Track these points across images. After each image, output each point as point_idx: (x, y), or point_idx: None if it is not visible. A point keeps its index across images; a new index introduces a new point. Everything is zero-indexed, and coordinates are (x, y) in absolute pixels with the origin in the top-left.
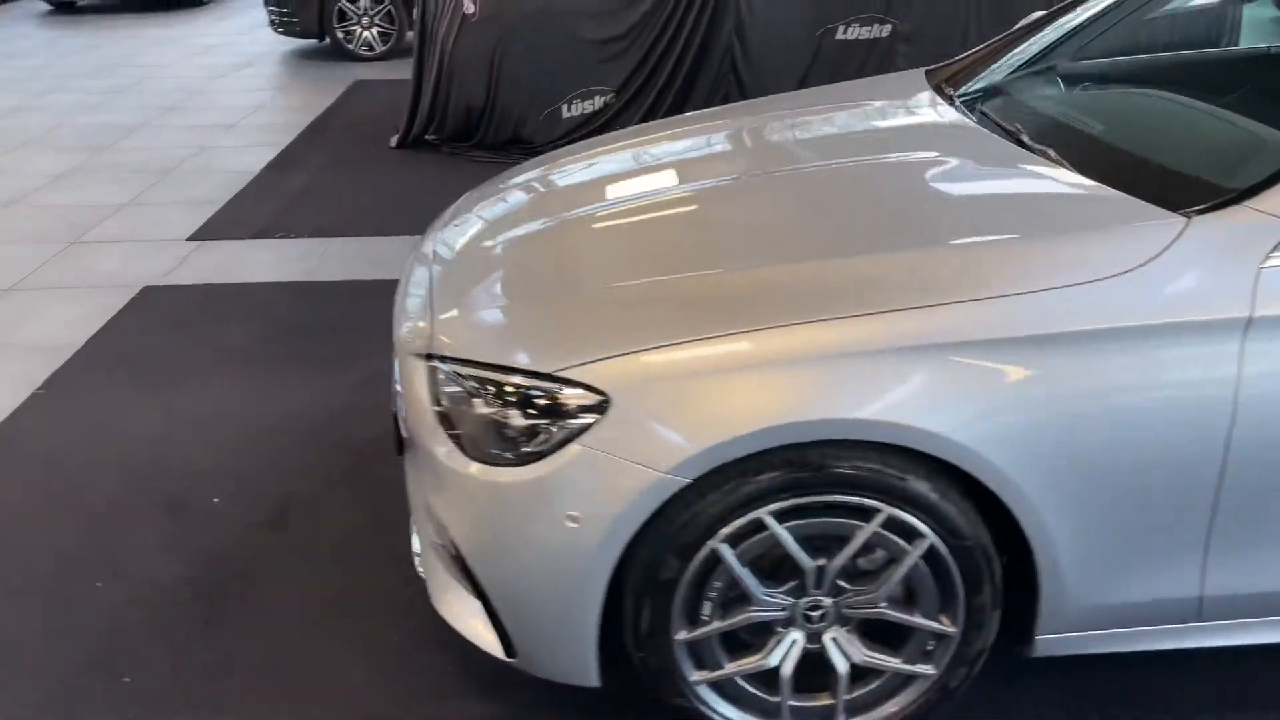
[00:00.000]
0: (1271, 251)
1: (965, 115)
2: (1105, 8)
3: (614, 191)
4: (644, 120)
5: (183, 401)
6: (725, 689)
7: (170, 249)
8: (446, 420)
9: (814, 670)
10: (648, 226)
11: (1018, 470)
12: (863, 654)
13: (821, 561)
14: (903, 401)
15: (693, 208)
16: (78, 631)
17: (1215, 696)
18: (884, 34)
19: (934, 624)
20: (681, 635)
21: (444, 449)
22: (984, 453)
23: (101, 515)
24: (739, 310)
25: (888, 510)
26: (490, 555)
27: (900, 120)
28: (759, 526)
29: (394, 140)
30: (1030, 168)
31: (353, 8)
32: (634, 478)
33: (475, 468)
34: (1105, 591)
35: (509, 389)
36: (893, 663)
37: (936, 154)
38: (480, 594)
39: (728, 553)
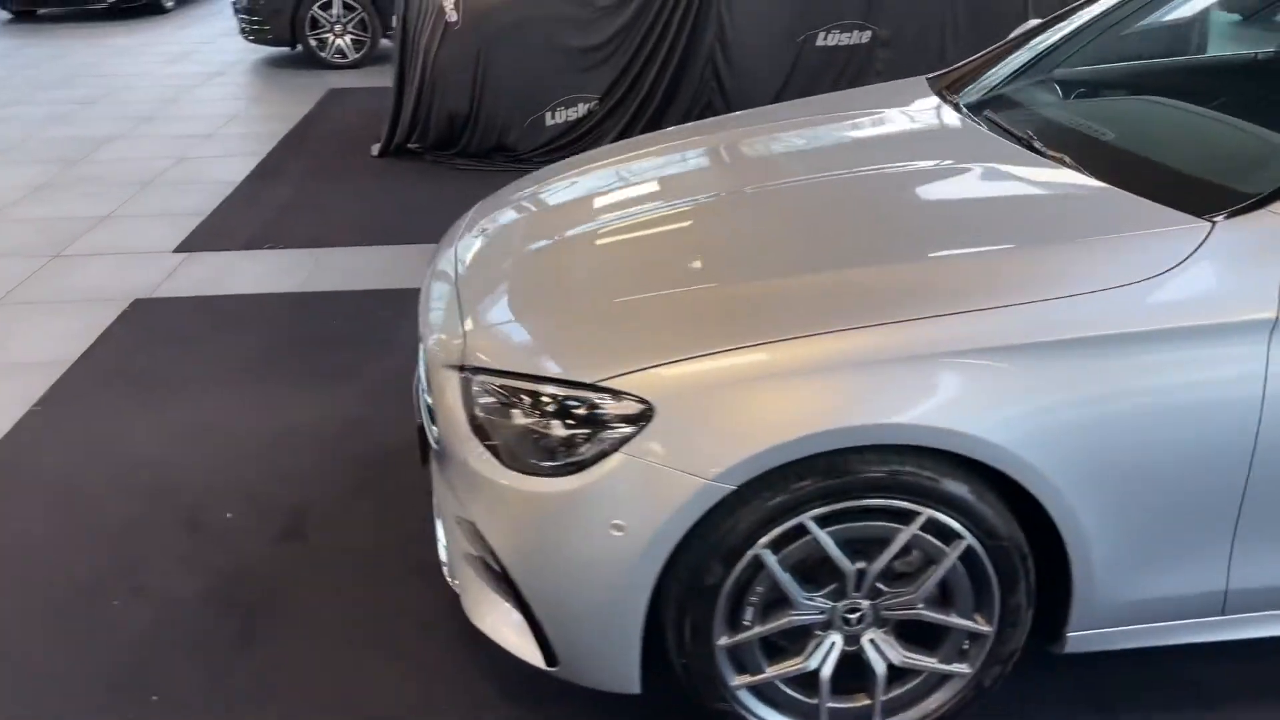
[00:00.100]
0: None
1: (975, 122)
2: (1098, 17)
3: (635, 201)
4: (628, 127)
5: (186, 416)
6: (765, 692)
7: (158, 261)
8: (481, 431)
9: (849, 672)
10: (673, 237)
11: (1054, 471)
12: (901, 655)
13: (861, 565)
14: (943, 406)
15: (720, 217)
16: (102, 651)
17: (1240, 687)
18: (864, 40)
19: (969, 623)
20: (723, 640)
21: (482, 460)
22: (1022, 454)
23: (113, 533)
24: (779, 318)
25: (927, 513)
26: (533, 565)
27: (912, 128)
28: (800, 531)
29: (375, 149)
30: (1048, 174)
31: (325, 15)
32: (679, 485)
33: (517, 478)
34: (1134, 587)
35: (548, 399)
36: (929, 663)
37: (953, 161)
38: (522, 604)
39: (770, 558)
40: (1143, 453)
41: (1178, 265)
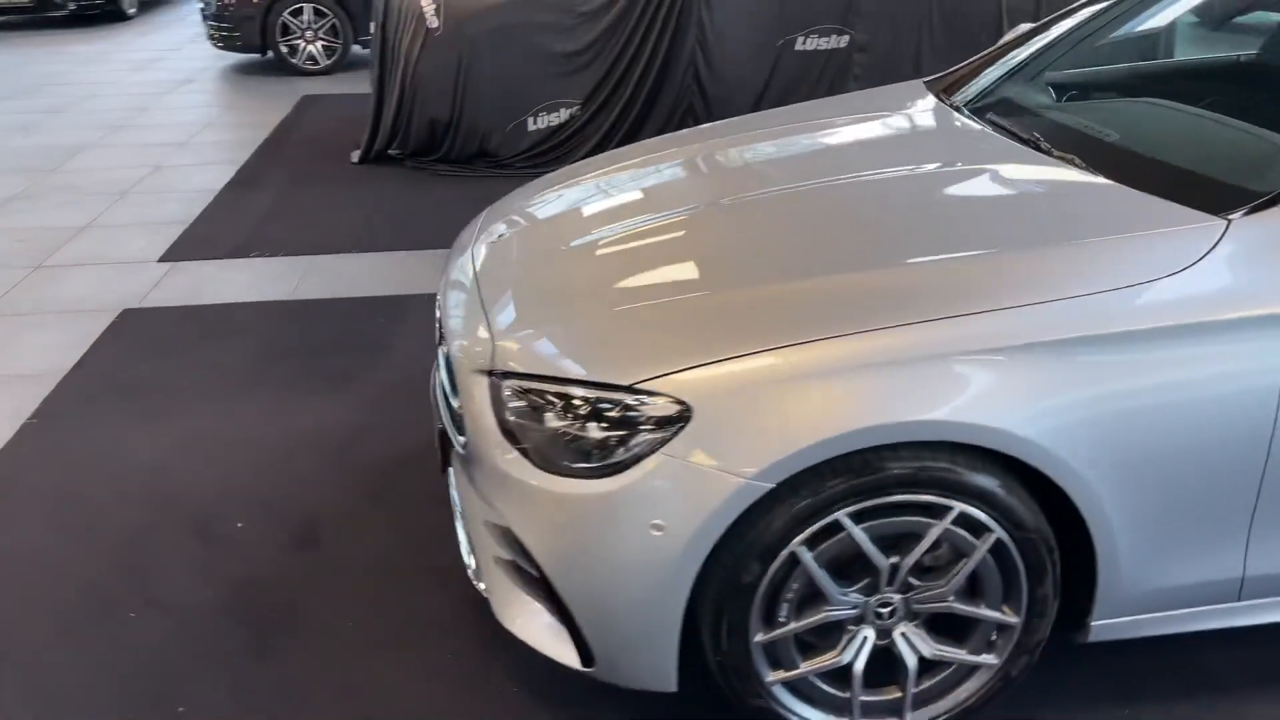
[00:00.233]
0: None
1: (980, 124)
2: (1089, 20)
3: (656, 205)
4: (610, 132)
5: (186, 425)
6: (798, 688)
7: (142, 271)
8: (512, 435)
9: (879, 665)
10: (698, 240)
11: (1081, 463)
12: (932, 647)
13: (894, 559)
14: (974, 402)
15: (743, 220)
16: (123, 664)
17: (1251, 673)
18: (842, 44)
19: (998, 615)
20: (759, 637)
21: (517, 464)
22: (1050, 448)
23: (122, 545)
24: (811, 319)
25: (959, 507)
26: (572, 566)
27: (921, 130)
28: (835, 528)
29: (356, 155)
30: (1060, 174)
31: (296, 22)
32: (719, 484)
33: (555, 481)
34: (1155, 576)
35: (581, 401)
36: (959, 654)
37: (964, 163)
38: (559, 606)
39: (806, 555)
40: (1165, 444)
41: (1196, 262)
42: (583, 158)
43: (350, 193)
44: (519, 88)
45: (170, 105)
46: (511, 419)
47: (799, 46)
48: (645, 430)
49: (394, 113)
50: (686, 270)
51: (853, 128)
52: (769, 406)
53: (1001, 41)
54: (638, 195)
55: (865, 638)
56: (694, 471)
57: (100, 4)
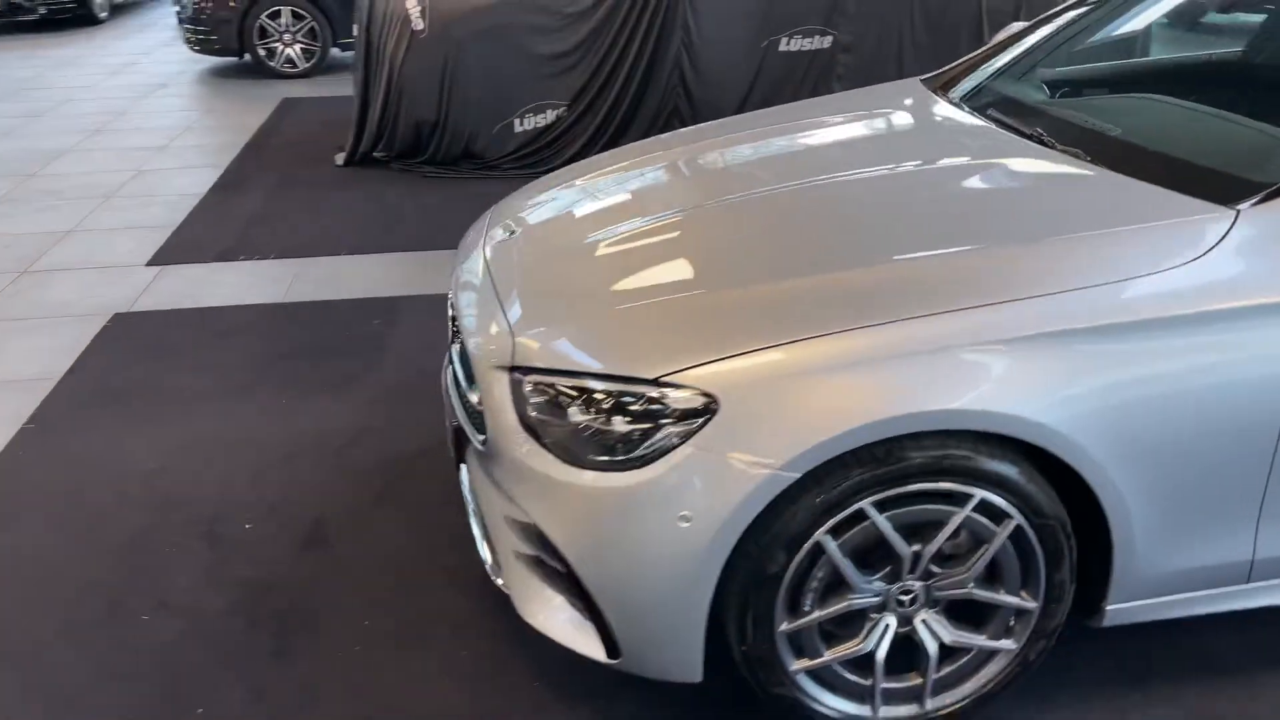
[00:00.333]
0: None
1: (984, 121)
2: (1078, 20)
3: (672, 201)
4: (597, 133)
5: (185, 428)
6: (822, 676)
7: (132, 275)
8: (534, 430)
9: (898, 652)
10: (717, 234)
11: (1098, 449)
12: (952, 634)
13: (916, 547)
14: (996, 390)
15: (754, 215)
16: (139, 667)
17: (1258, 655)
18: (825, 45)
19: (1017, 600)
20: (784, 626)
21: (542, 459)
22: (1070, 435)
23: (129, 548)
24: (834, 312)
25: (980, 494)
26: (600, 559)
27: (926, 126)
28: (859, 517)
29: (340, 158)
30: (1067, 168)
31: (274, 25)
32: (746, 475)
33: (581, 475)
34: (1169, 560)
35: (605, 395)
36: (979, 640)
37: (971, 158)
38: (586, 599)
39: (831, 544)
40: (1179, 430)
41: (1207, 252)
42: (570, 159)
43: (337, 195)
44: (505, 89)
45: (148, 109)
46: (533, 414)
47: (783, 47)
48: (671, 423)
49: (379, 115)
50: (703, 265)
51: (858, 125)
52: (794, 398)
53: (994, 40)
54: (647, 192)
55: (887, 625)
56: (721, 463)
57: (71, 8)
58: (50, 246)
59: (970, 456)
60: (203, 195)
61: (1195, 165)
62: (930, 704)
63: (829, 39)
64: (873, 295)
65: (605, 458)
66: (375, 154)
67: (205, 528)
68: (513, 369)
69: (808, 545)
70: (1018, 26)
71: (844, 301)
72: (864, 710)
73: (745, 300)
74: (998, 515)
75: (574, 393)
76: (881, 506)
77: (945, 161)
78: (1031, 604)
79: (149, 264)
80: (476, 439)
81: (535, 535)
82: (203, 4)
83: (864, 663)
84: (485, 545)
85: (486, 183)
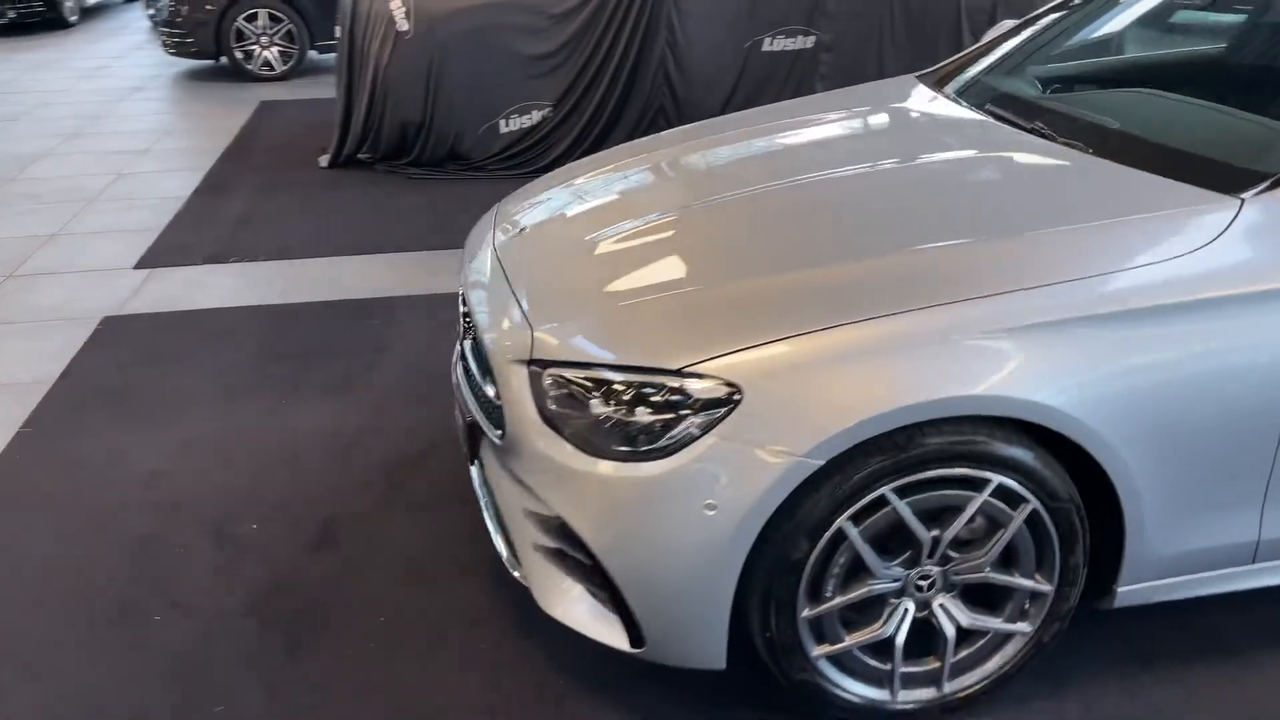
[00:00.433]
0: None
1: (984, 115)
2: (1066, 18)
3: (679, 196)
4: (583, 133)
5: (184, 431)
6: (842, 661)
7: (120, 278)
8: (555, 423)
9: (916, 637)
10: (730, 227)
11: (1111, 433)
12: (969, 617)
13: (935, 532)
14: (1014, 376)
15: (769, 208)
16: (155, 667)
17: (1261, 633)
18: (808, 45)
19: (1032, 583)
20: (806, 612)
21: (564, 451)
22: (1085, 419)
23: (137, 551)
24: (853, 301)
25: (997, 479)
26: (625, 550)
27: (928, 121)
28: (879, 504)
29: (324, 160)
30: (1073, 159)
31: (251, 27)
32: (771, 463)
33: (606, 466)
34: (1178, 541)
35: (625, 387)
36: (995, 623)
37: (978, 151)
38: (611, 589)
39: (852, 530)
40: (1190, 413)
41: (1214, 239)
42: (556, 159)
43: (323, 197)
44: (491, 90)
45: (125, 112)
46: (553, 407)
47: (766, 47)
48: (694, 413)
49: (364, 116)
50: (720, 258)
51: (863, 120)
52: (816, 386)
53: (986, 38)
54: (658, 188)
55: (906, 610)
56: (746, 451)
57: (41, 11)
58: (34, 251)
59: (987, 442)
60: (186, 198)
61: (1197, 156)
62: (948, 687)
63: (811, 39)
64: (891, 285)
65: (627, 448)
66: (360, 156)
67: (212, 529)
68: (531, 363)
69: (830, 532)
70: (1009, 24)
71: (863, 291)
72: (883, 694)
73: (765, 291)
74: (1014, 500)
75: (594, 385)
76: (901, 493)
77: (952, 155)
78: (1046, 587)
79: (136, 267)
80: (494, 434)
81: (557, 528)
82: (179, 7)
83: (883, 647)
84: (502, 539)
85: (473, 184)
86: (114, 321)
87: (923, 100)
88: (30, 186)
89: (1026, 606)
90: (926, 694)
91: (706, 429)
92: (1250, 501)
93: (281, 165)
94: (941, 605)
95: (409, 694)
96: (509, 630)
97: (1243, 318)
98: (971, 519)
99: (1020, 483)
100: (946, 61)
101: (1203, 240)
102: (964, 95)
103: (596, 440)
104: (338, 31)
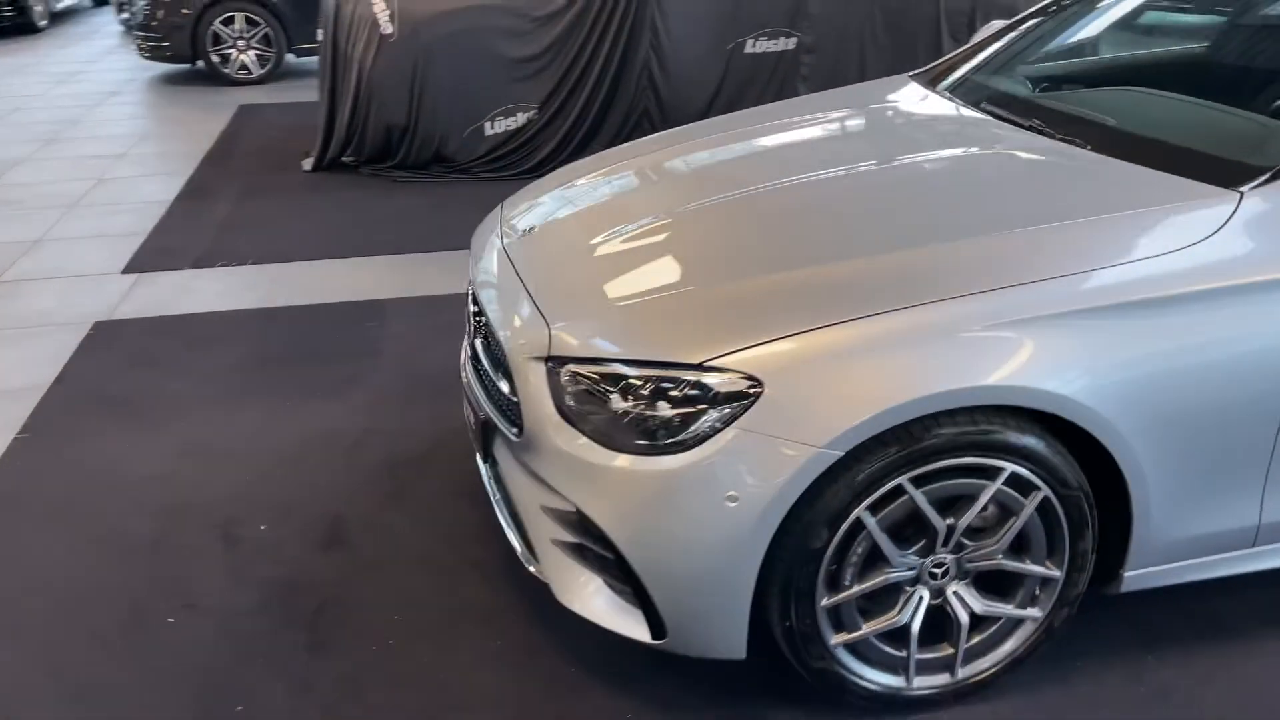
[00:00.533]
0: None
1: (982, 113)
2: (1050, 19)
3: (688, 193)
4: (568, 135)
5: (184, 434)
6: (858, 649)
7: (108, 283)
8: (574, 419)
9: (929, 624)
10: (741, 226)
11: (1120, 421)
12: (982, 604)
13: (950, 521)
14: (1027, 366)
15: (781, 205)
16: (173, 668)
17: (1259, 616)
18: (790, 47)
19: (1043, 570)
20: (825, 601)
21: (584, 447)
22: (1096, 407)
23: (145, 554)
24: (868, 295)
25: (1010, 468)
26: (648, 543)
27: (929, 119)
28: (896, 493)
29: (308, 163)
30: (1074, 155)
31: (227, 31)
32: (792, 454)
33: (627, 460)
34: (1182, 527)
35: (644, 381)
36: (1007, 609)
37: (980, 148)
38: (634, 582)
39: (870, 520)
40: (1195, 401)
41: (1216, 232)
42: (541, 161)
43: (308, 200)
44: (475, 93)
45: (102, 117)
46: (571, 403)
47: (749, 49)
48: (714, 406)
49: (348, 119)
50: (735, 254)
51: (864, 119)
52: (835, 378)
53: (976, 38)
54: (669, 185)
55: (921, 597)
56: (767, 443)
57: (10, 16)
58: (19, 257)
59: (1001, 431)
60: (170, 203)
61: (1194, 151)
62: (961, 672)
63: (793, 40)
64: (907, 278)
65: (646, 442)
66: (344, 159)
67: (220, 531)
68: (549, 360)
69: (848, 521)
70: (998, 24)
71: (880, 284)
72: (899, 681)
73: (783, 286)
74: (1026, 488)
75: (613, 380)
76: (917, 482)
77: (956, 152)
78: (1056, 573)
79: (124, 272)
80: (510, 431)
81: (577, 523)
82: (154, 11)
83: (899, 635)
84: (517, 535)
85: (458, 186)
86: (106, 326)
87: (921, 99)
88: (10, 192)
89: (1037, 592)
90: (941, 680)
91: (728, 422)
92: (1251, 486)
93: (264, 169)
94: (955, 592)
95: (434, 688)
96: (525, 624)
97: (1243, 308)
98: (984, 507)
99: (1032, 471)
100: (939, 61)
101: (1205, 233)
102: (959, 94)
103: (617, 435)
104: (320, 35)
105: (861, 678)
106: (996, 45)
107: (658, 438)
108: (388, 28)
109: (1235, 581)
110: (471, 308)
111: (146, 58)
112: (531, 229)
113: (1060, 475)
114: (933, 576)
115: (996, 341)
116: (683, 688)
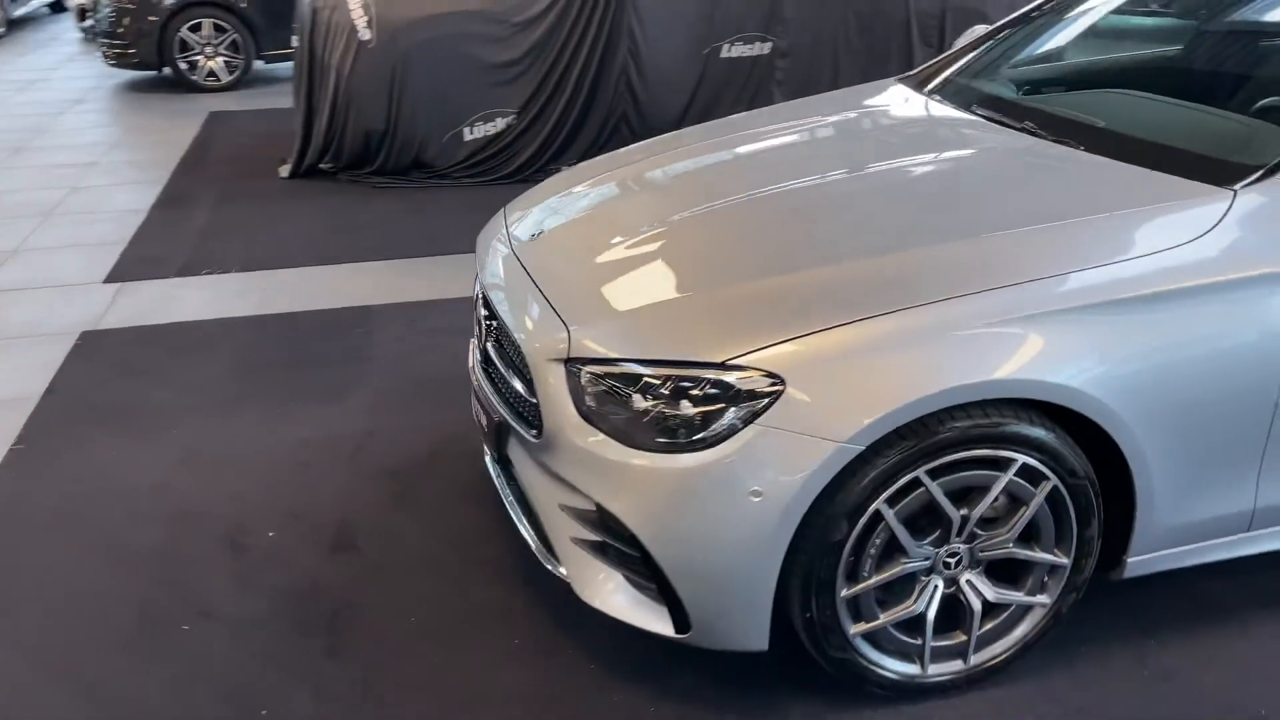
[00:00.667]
0: None
1: (974, 116)
2: (1033, 22)
3: (698, 196)
4: (547, 140)
5: (182, 442)
6: (876, 638)
7: (91, 293)
8: (595, 419)
9: (942, 612)
10: (755, 226)
11: (1126, 411)
12: (994, 591)
13: (964, 511)
14: (1039, 361)
15: (793, 206)
16: (192, 676)
17: (1254, 598)
18: (765, 51)
19: (1051, 557)
20: (844, 592)
21: (606, 446)
22: (1103, 399)
23: (153, 563)
24: (883, 294)
25: (1022, 459)
26: (673, 539)
27: (925, 122)
28: (913, 485)
29: (285, 170)
30: (1068, 156)
31: (195, 37)
32: (814, 450)
33: (651, 458)
34: (1182, 512)
35: (664, 380)
36: (1018, 596)
37: (978, 150)
38: (659, 578)
39: (888, 512)
40: (1195, 391)
41: (1211, 229)
42: (521, 166)
43: (288, 207)
44: (454, 98)
45: (68, 125)
46: (592, 404)
47: (725, 54)
48: (736, 404)
49: (325, 126)
50: (750, 255)
51: (863, 122)
52: (856, 375)
53: (960, 43)
54: (678, 187)
55: (936, 586)
56: (790, 439)
57: None
58: None
59: (1013, 423)
60: (147, 211)
61: (1187, 151)
62: (974, 659)
63: (768, 45)
64: (921, 277)
65: (667, 440)
66: (322, 165)
67: (227, 538)
68: (569, 361)
69: (867, 514)
70: (981, 29)
71: (895, 283)
72: (914, 668)
73: (800, 285)
74: (1036, 478)
75: (634, 380)
76: (933, 474)
77: (955, 154)
78: (1064, 560)
79: (106, 281)
80: (529, 433)
81: (599, 521)
82: (120, 17)
83: (914, 623)
84: (534, 534)
85: (438, 191)
86: (93, 336)
87: (913, 103)
88: None
89: (1046, 579)
90: (954, 666)
91: (750, 419)
92: (1247, 472)
93: (240, 176)
94: (968, 581)
95: (454, 687)
96: (539, 622)
97: (1238, 301)
98: (996, 498)
99: (1042, 461)
100: (925, 65)
101: (1201, 229)
102: (949, 97)
103: (638, 434)
104: (294, 41)
105: (880, 666)
106: (982, 49)
107: (679, 436)
108: (366, 34)
109: (1234, 566)
110: (481, 311)
111: (112, 64)
112: (540, 232)
113: (1069, 465)
114: (946, 566)
115: (1008, 337)
116: (701, 681)
